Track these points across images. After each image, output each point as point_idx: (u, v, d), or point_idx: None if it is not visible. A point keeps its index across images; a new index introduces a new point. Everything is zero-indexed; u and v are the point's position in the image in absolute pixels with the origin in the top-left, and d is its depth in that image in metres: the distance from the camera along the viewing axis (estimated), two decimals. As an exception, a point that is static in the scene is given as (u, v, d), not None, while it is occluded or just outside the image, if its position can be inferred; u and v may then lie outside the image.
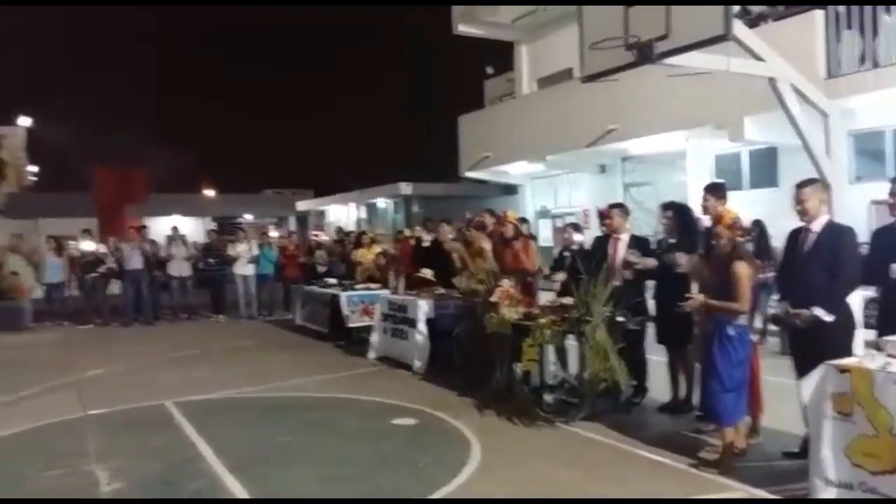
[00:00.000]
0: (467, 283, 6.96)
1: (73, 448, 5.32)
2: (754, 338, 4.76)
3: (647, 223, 12.11)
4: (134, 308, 12.70)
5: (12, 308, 12.61)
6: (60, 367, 8.69)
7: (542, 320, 5.72)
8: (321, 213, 29.15)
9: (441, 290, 7.94)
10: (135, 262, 12.60)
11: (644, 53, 5.70)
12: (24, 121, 29.37)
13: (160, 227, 21.70)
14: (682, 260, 5.30)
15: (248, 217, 29.54)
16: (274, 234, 17.25)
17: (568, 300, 5.84)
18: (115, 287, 13.20)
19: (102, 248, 13.07)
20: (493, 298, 6.27)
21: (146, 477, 4.62)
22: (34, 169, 33.97)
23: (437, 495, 4.20)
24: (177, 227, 14.01)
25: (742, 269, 4.36)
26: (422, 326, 7.70)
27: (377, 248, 10.79)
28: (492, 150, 16.83)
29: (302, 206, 30.33)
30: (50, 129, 31.45)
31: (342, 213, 26.74)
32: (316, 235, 16.76)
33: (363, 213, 25.23)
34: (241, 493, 4.29)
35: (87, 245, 13.09)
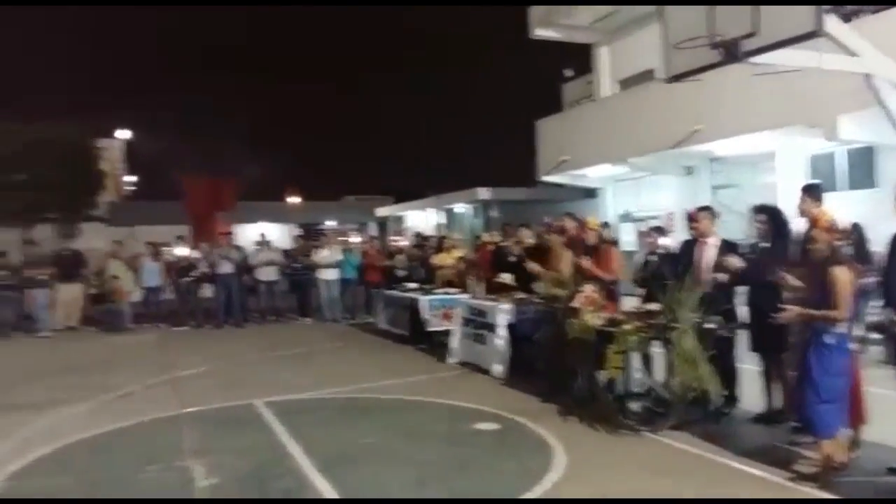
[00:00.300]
0: (548, 288, 6.91)
1: (171, 444, 5.58)
2: (854, 347, 4.52)
3: (735, 226, 11.70)
4: (225, 311, 13.24)
5: (113, 310, 13.35)
6: (158, 367, 9.14)
7: (627, 326, 5.61)
8: (399, 219, 29.57)
9: (521, 295, 7.91)
10: (225, 266, 13.15)
11: (731, 52, 5.51)
12: (123, 133, 31.23)
13: (248, 233, 22.53)
14: (793, 281, 4.93)
15: (331, 223, 30.28)
16: (355, 239, 17.63)
17: (654, 306, 5.71)
18: (207, 291, 13.78)
19: (195, 254, 13.70)
20: (575, 304, 6.20)
21: (239, 474, 4.80)
22: (132, 179, 35.98)
23: (520, 501, 4.18)
24: (264, 234, 14.54)
25: (842, 275, 4.15)
26: (502, 331, 7.69)
27: (457, 253, 10.87)
28: (571, 154, 16.66)
29: (381, 212, 30.87)
30: (146, 141, 33.22)
31: (420, 219, 27.04)
32: (395, 241, 17.02)
33: (441, 219, 25.44)
34: (329, 493, 4.40)
35: (182, 251, 13.76)
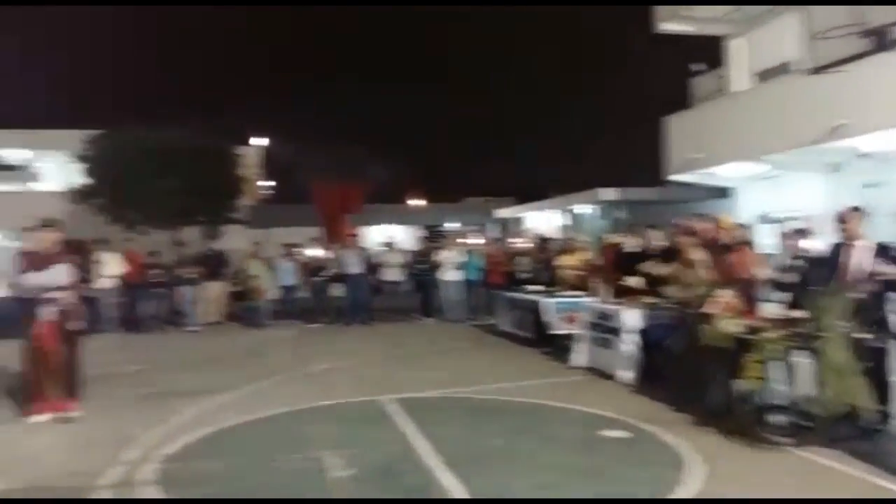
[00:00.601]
0: (679, 291, 6.67)
1: (307, 435, 5.87)
2: None
3: (886, 229, 10.76)
4: (352, 309, 13.75)
5: (253, 307, 14.20)
6: (293, 361, 9.63)
7: (770, 334, 5.31)
8: (519, 220, 29.49)
9: (650, 299, 7.68)
10: (353, 267, 13.67)
11: (881, 40, 5.10)
12: (260, 141, 33.17)
13: (374, 235, 23.26)
14: None
15: (453, 225, 30.69)
16: (475, 240, 17.78)
17: (798, 313, 5.37)
18: (337, 290, 14.37)
19: (326, 255, 14.33)
20: (709, 309, 5.94)
21: (371, 467, 4.98)
22: (268, 184, 38.10)
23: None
24: (392, 236, 14.98)
25: None
26: (630, 336, 7.50)
27: (582, 256, 10.70)
28: (701, 152, 15.94)
29: (501, 213, 30.91)
30: (281, 148, 35.08)
31: (541, 220, 26.84)
32: (517, 242, 17.01)
33: (564, 220, 25.13)
34: (457, 491, 4.47)
35: (314, 251, 14.43)
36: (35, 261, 6.44)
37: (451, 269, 13.75)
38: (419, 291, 14.65)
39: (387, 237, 14.90)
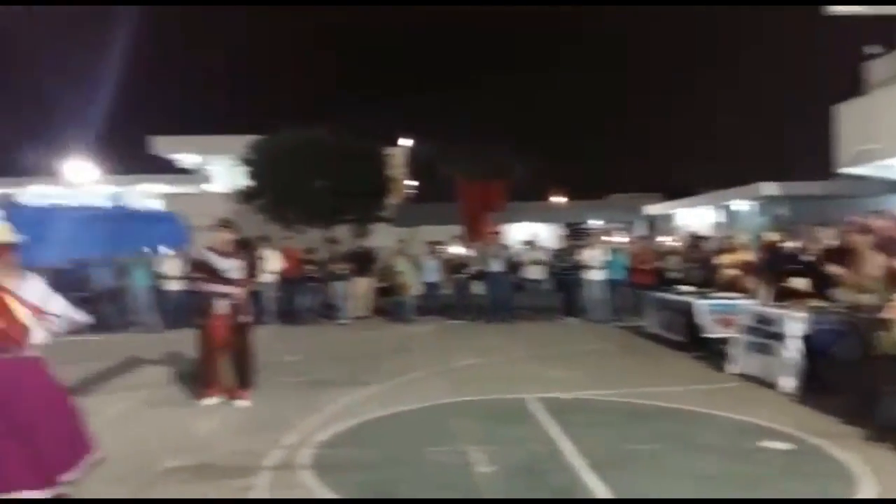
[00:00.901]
0: (850, 295, 6.10)
1: (452, 429, 5.96)
2: None
3: None
4: (494, 307, 13.82)
5: (399, 302, 14.66)
6: (437, 357, 9.82)
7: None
8: (669, 217, 28.32)
9: (817, 303, 7.08)
10: (495, 265, 13.73)
11: None
12: (406, 141, 34.26)
13: (516, 233, 23.24)
14: None
15: (597, 222, 30.05)
16: (620, 238, 17.28)
17: None
18: (479, 287, 14.51)
19: (468, 252, 14.51)
20: (887, 315, 5.38)
21: (514, 465, 4.97)
22: (413, 183, 39.24)
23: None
24: (534, 233, 14.90)
25: None
26: (794, 342, 6.96)
27: (743, 255, 10.07)
28: (876, 142, 14.51)
29: (650, 210, 29.83)
30: (425, 147, 36.03)
31: (692, 217, 25.61)
32: (667, 241, 16.34)
33: (718, 217, 23.84)
34: (603, 493, 4.36)
35: (457, 249, 14.67)
36: (216, 258, 7.04)
37: (594, 268, 13.45)
38: (561, 290, 14.45)
39: (529, 235, 14.81)
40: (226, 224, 7.23)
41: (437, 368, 8.93)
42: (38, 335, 3.50)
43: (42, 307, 3.52)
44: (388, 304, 15.24)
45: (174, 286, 13.78)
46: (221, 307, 6.91)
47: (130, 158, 35.96)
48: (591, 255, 13.59)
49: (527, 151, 30.43)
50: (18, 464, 3.26)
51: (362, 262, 15.12)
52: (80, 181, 34.72)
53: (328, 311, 14.89)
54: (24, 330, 3.39)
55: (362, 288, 15.04)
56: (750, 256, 9.94)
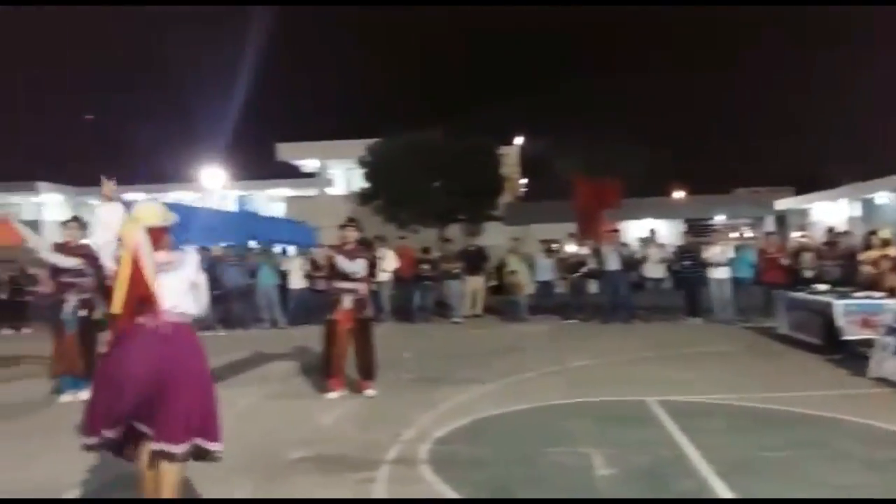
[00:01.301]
0: None
1: (568, 430, 5.86)
2: None
3: None
4: (611, 307, 13.48)
5: (512, 302, 14.62)
6: (551, 356, 9.70)
7: None
8: (803, 213, 26.58)
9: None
10: (612, 263, 13.39)
11: None
12: (518, 139, 34.17)
13: (634, 230, 22.59)
14: None
15: (720, 218, 28.68)
16: (746, 234, 16.40)
17: None
18: (594, 286, 14.21)
19: (584, 250, 14.24)
20: None
21: (636, 468, 4.81)
22: (525, 181, 39.08)
23: None
24: (653, 230, 14.41)
25: None
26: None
27: (888, 251, 9.27)
28: None
29: (781, 204, 28.13)
30: (536, 144, 35.75)
31: (828, 212, 23.91)
32: (801, 237, 15.33)
33: (853, 211, 22.13)
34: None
35: (572, 248, 14.43)
36: (343, 255, 7.30)
37: (719, 266, 12.81)
38: (683, 289, 13.89)
39: (648, 232, 14.33)
40: (352, 223, 7.50)
41: (552, 368, 8.81)
42: (190, 307, 3.77)
43: (195, 281, 3.84)
44: (501, 303, 15.23)
45: (297, 284, 14.44)
46: (346, 303, 7.16)
47: (259, 164, 38.10)
48: (716, 252, 12.97)
49: (644, 146, 29.50)
50: (151, 421, 3.52)
51: (475, 260, 15.21)
52: (213, 187, 37.12)
53: (441, 310, 15.08)
54: (172, 301, 3.66)
55: (475, 287, 15.12)
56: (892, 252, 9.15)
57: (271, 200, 40.06)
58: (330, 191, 33.76)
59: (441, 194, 21.47)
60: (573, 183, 23.59)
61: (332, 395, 7.23)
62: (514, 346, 10.86)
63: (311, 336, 11.87)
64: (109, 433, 3.55)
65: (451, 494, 4.44)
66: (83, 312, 7.40)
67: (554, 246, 15.31)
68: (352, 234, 7.35)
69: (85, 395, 7.23)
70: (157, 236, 3.75)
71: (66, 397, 7.31)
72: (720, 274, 12.82)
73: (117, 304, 3.55)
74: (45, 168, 40.69)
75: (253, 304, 14.41)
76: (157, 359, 3.57)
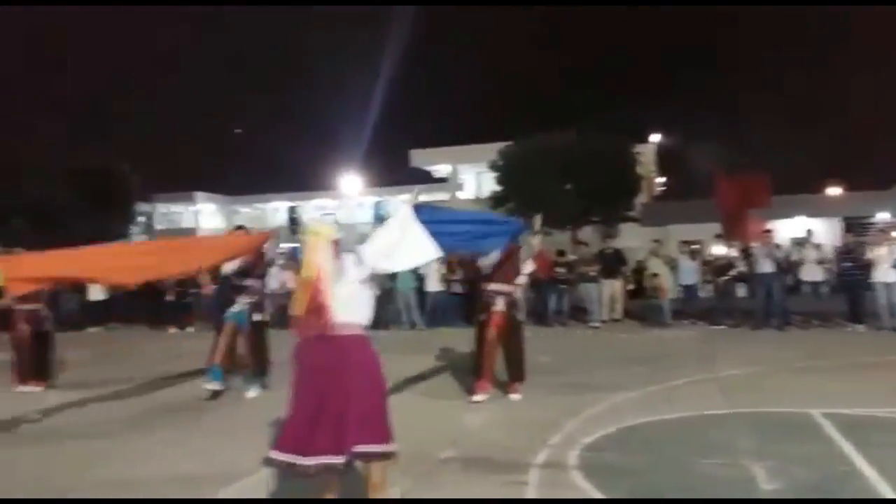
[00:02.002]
0: None
1: (725, 441, 5.59)
2: None
3: None
4: (764, 312, 12.71)
5: (653, 306, 14.14)
6: (699, 364, 9.29)
7: None
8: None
9: None
10: (765, 265, 12.63)
11: None
12: (654, 137, 33.06)
13: (786, 229, 21.19)
14: None
15: (883, 216, 26.27)
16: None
17: None
18: (742, 290, 13.47)
19: (733, 252, 13.53)
20: None
21: (801, 483, 4.53)
22: (662, 180, 37.71)
23: None
24: (810, 230, 13.47)
25: None
26: None
27: None
28: None
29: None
30: (674, 141, 34.43)
31: None
32: None
33: None
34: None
35: (719, 249, 13.76)
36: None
37: (887, 268, 11.73)
38: (845, 294, 12.84)
39: (804, 232, 13.39)
40: None
41: (701, 376, 8.44)
42: (363, 315, 4.00)
43: (365, 289, 4.07)
44: (641, 308, 14.78)
45: (434, 287, 14.75)
46: (498, 306, 7.25)
47: (393, 171, 39.37)
48: (882, 254, 11.89)
49: (794, 139, 27.58)
50: (324, 433, 3.73)
51: (613, 263, 14.85)
52: (351, 193, 38.76)
53: (577, 314, 14.86)
54: (343, 311, 3.88)
55: (613, 290, 14.77)
56: None
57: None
58: (460, 195, 34.24)
59: (574, 196, 21.17)
60: (716, 180, 22.51)
61: (479, 396, 7.32)
62: (659, 353, 10.50)
63: (449, 338, 12.12)
64: (291, 458, 3.77)
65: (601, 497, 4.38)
66: (255, 316, 7.93)
67: (694, 247, 14.63)
68: None
69: (252, 393, 7.83)
70: (334, 248, 4.02)
71: (249, 394, 7.88)
72: (888, 277, 11.74)
73: (298, 307, 3.85)
74: (201, 179, 44.11)
75: (392, 307, 14.86)
76: (337, 367, 3.83)
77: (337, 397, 3.77)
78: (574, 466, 5.07)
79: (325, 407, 3.77)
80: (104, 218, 23.00)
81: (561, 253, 15.24)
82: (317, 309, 3.82)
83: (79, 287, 17.15)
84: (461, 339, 11.44)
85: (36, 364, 8.83)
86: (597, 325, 14.09)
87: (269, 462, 3.88)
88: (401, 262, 4.37)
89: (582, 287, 14.64)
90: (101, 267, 6.64)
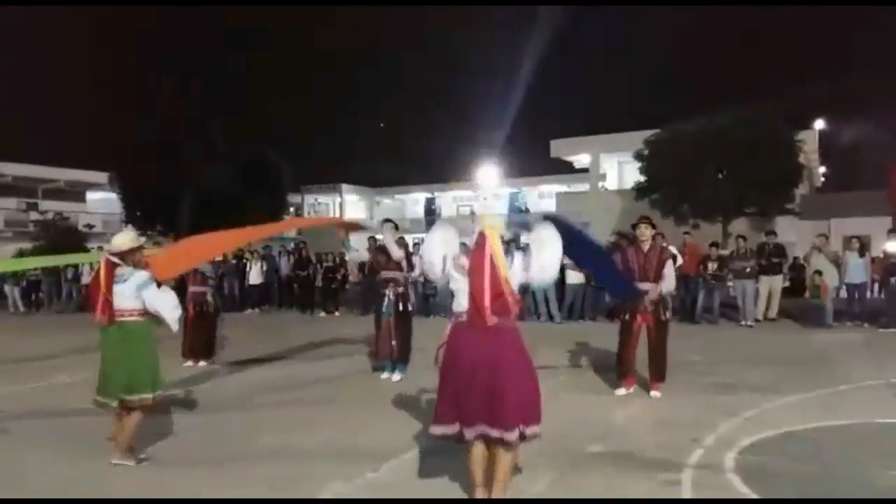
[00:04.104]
0: None
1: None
2: None
3: None
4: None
5: (816, 306, 13.13)
6: (868, 369, 8.53)
7: None
8: None
9: None
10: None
11: None
12: (818, 123, 30.57)
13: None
14: None
15: None
16: None
17: None
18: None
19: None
20: None
21: None
22: (824, 170, 34.87)
23: None
24: None
25: None
26: None
27: None
28: None
29: None
30: (840, 130, 31.72)
31: None
32: None
33: None
34: None
35: (892, 246, 12.52)
36: (636, 255, 7.22)
37: None
38: None
39: None
40: (645, 220, 7.36)
41: (871, 382, 7.76)
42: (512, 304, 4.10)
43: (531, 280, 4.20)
44: (800, 307, 13.77)
45: (575, 280, 14.54)
46: (646, 304, 7.06)
47: (533, 161, 39.21)
48: None
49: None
50: (483, 410, 3.92)
51: (770, 259, 13.92)
52: (488, 184, 39.02)
53: (729, 312, 14.10)
54: (516, 300, 4.05)
55: (771, 287, 13.87)
56: None
57: (541, 197, 40.90)
58: (602, 185, 33.44)
59: (727, 186, 19.99)
60: (888, 170, 20.51)
61: (622, 391, 7.18)
62: (820, 355, 9.76)
63: (587, 332, 11.94)
64: (451, 429, 3.99)
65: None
66: (400, 305, 8.22)
67: (865, 243, 13.37)
68: (647, 232, 7.19)
69: (397, 377, 8.12)
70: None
71: (394, 377, 8.21)
72: None
73: (476, 297, 3.98)
74: (346, 171, 46.01)
75: (529, 297, 14.80)
76: (487, 353, 3.95)
77: (491, 378, 3.90)
78: (731, 469, 4.84)
79: (480, 387, 3.91)
80: (259, 207, 24.59)
81: (714, 245, 14.44)
82: (496, 297, 3.94)
83: (240, 272, 18.60)
84: (599, 333, 11.27)
85: (201, 342, 9.65)
86: (750, 323, 13.30)
87: (435, 436, 4.07)
88: (551, 276, 4.34)
89: (737, 283, 13.84)
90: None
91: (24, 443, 5.81)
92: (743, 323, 13.39)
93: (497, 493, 3.98)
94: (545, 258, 4.12)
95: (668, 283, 7.15)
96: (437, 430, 4.03)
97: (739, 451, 5.22)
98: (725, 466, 4.90)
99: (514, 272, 4.08)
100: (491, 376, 3.90)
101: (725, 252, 14.49)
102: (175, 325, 5.31)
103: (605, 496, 4.41)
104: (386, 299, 8.16)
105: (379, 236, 8.86)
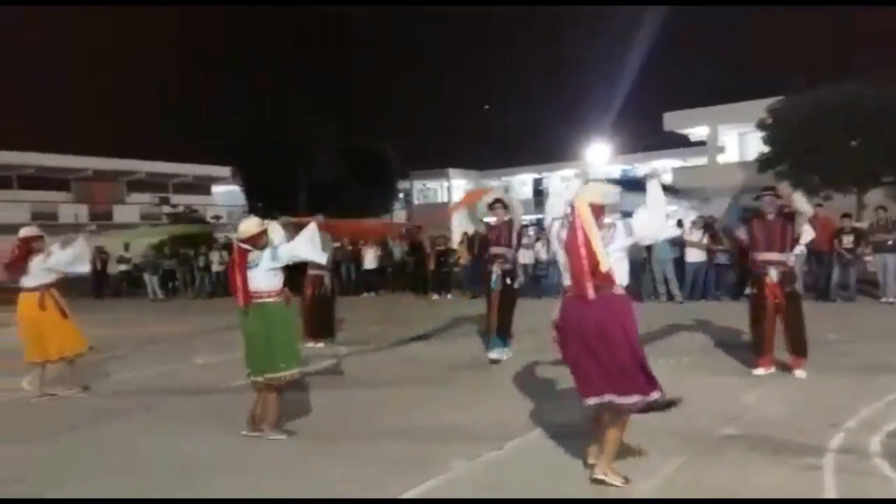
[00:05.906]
0: None
1: None
2: None
3: None
4: None
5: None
6: None
7: None
8: None
9: None
10: None
11: None
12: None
13: None
14: None
15: None
16: None
17: None
18: None
19: None
20: None
21: None
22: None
23: None
24: None
25: None
26: None
27: None
28: None
29: None
30: None
31: None
32: None
33: None
34: None
35: None
36: (763, 225, 6.84)
37: None
38: None
39: None
40: (769, 189, 6.96)
41: None
42: (622, 276, 4.15)
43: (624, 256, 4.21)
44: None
45: (695, 258, 13.97)
46: (773, 277, 6.68)
47: (645, 136, 37.89)
48: None
49: None
50: (600, 377, 4.05)
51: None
52: (598, 162, 38.10)
53: (867, 287, 13.09)
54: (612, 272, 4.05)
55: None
56: None
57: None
58: (721, 158, 31.84)
59: (860, 155, 18.53)
60: None
61: (760, 371, 6.82)
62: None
63: (711, 311, 11.46)
64: (594, 399, 4.09)
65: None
66: (507, 281, 8.25)
67: None
68: (776, 202, 6.77)
69: (504, 355, 8.12)
70: (597, 213, 4.10)
71: (492, 355, 8.21)
72: None
73: (576, 274, 4.03)
74: (453, 156, 46.31)
75: (647, 277, 14.36)
76: (599, 323, 4.02)
77: (609, 347, 4.00)
78: (877, 454, 4.51)
79: (603, 355, 4.02)
80: (370, 194, 25.25)
81: (846, 216, 13.43)
82: (584, 270, 3.98)
83: (356, 257, 19.20)
84: (724, 312, 10.78)
85: (321, 323, 10.02)
86: (892, 300, 12.31)
87: (590, 408, 4.16)
88: (655, 230, 4.36)
89: (877, 257, 12.81)
90: None
91: (170, 418, 6.28)
92: (883, 300, 12.41)
93: (602, 467, 4.11)
94: (644, 216, 4.16)
95: (806, 236, 7.18)
96: (588, 400, 4.13)
97: (888, 436, 4.85)
98: (871, 451, 4.57)
99: (618, 237, 4.10)
100: (602, 345, 4.00)
101: (862, 224, 13.43)
102: (322, 258, 5.78)
103: (738, 481, 4.21)
104: (494, 275, 8.23)
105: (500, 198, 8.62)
